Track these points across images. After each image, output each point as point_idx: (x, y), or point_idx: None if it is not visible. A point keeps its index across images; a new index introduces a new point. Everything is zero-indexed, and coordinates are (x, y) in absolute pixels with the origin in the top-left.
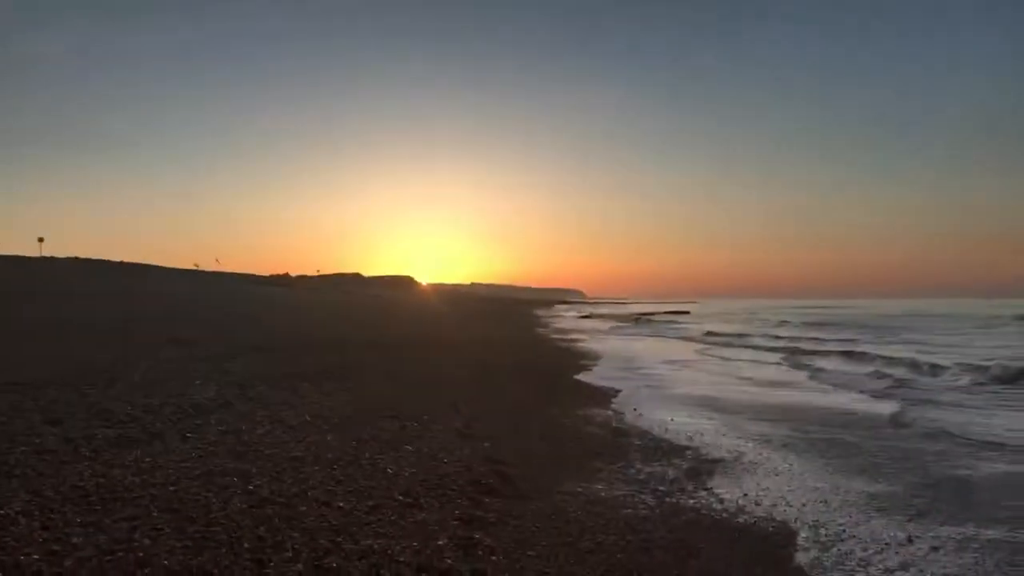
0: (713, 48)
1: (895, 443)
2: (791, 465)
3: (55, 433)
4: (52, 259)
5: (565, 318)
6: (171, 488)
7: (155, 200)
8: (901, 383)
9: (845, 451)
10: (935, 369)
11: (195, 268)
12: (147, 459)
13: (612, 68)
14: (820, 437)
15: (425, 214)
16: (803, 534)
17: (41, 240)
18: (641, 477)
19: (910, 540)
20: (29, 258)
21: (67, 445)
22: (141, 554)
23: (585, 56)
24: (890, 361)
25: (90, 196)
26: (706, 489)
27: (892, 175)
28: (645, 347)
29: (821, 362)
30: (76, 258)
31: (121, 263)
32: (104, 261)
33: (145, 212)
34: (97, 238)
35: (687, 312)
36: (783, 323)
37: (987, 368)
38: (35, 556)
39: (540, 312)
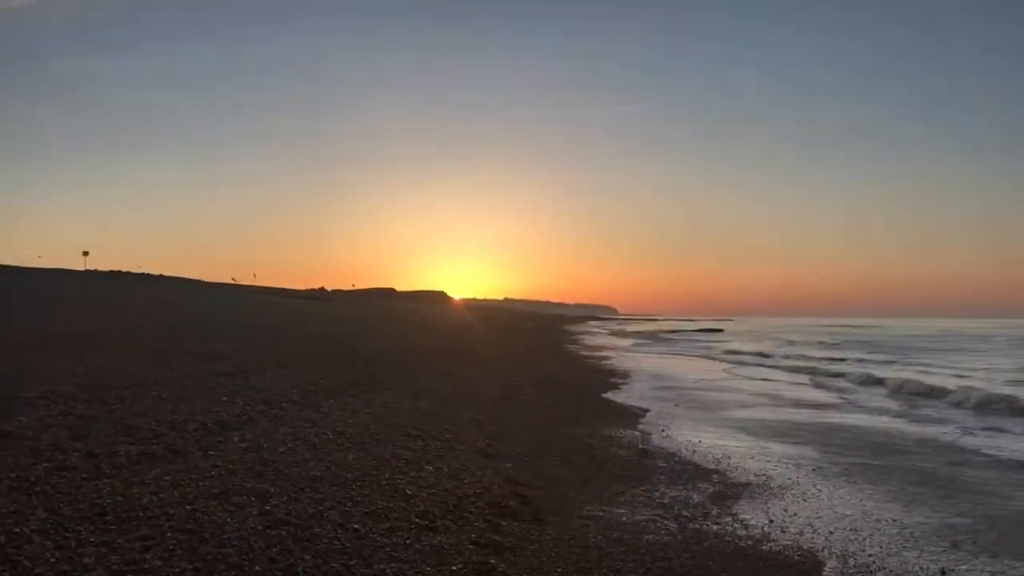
0: (751, 60)
1: (925, 466)
2: (820, 490)
3: (79, 449)
4: (94, 272)
5: (596, 335)
6: (188, 507)
7: (197, 215)
8: (922, 405)
9: (875, 476)
10: (950, 392)
11: (232, 282)
12: (167, 477)
13: (642, 81)
14: (850, 461)
15: (460, 230)
16: (830, 564)
17: (86, 254)
18: (665, 501)
19: (943, 573)
20: (73, 271)
21: (89, 462)
22: None
23: (616, 70)
24: (911, 383)
25: (134, 210)
26: (731, 514)
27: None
28: (676, 365)
29: (847, 383)
30: (118, 271)
31: (161, 276)
32: (144, 275)
33: (187, 227)
34: (140, 252)
35: (721, 330)
36: (819, 343)
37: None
38: None
39: (571, 328)
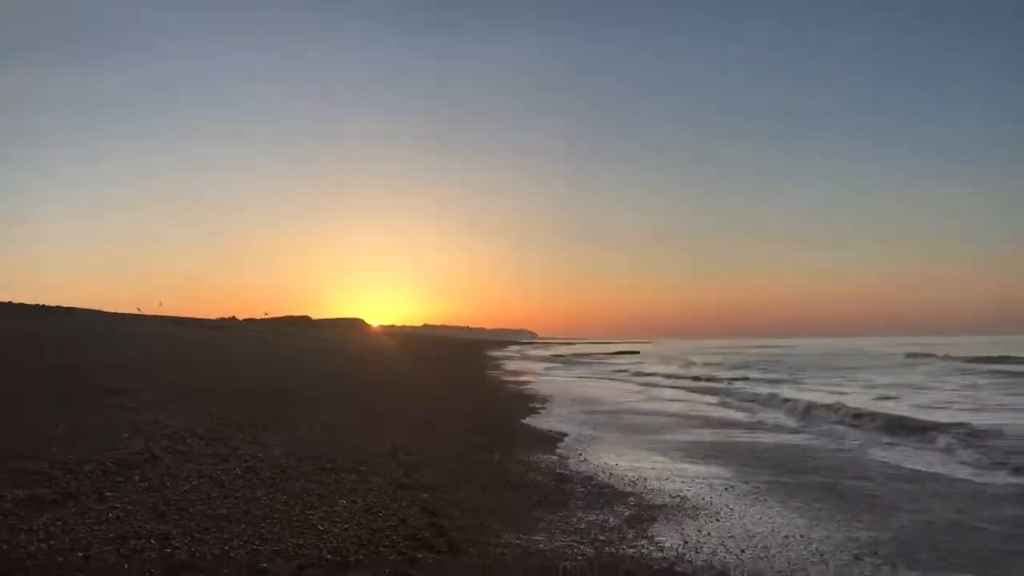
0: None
1: (827, 480)
2: (732, 509)
3: None
4: None
5: (516, 359)
6: (80, 554)
7: (98, 239)
8: (817, 421)
9: (783, 493)
10: (841, 409)
11: (137, 312)
12: (58, 522)
13: (566, 106)
14: (760, 479)
15: (377, 257)
16: None
17: None
18: (582, 526)
19: None
20: None
21: None
22: None
23: (536, 98)
24: (804, 402)
25: (29, 235)
26: (647, 537)
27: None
28: (593, 388)
29: (750, 402)
30: (9, 303)
31: (58, 308)
32: (40, 306)
33: (87, 253)
34: (30, 280)
35: (637, 352)
36: (722, 364)
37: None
38: None
39: (492, 353)
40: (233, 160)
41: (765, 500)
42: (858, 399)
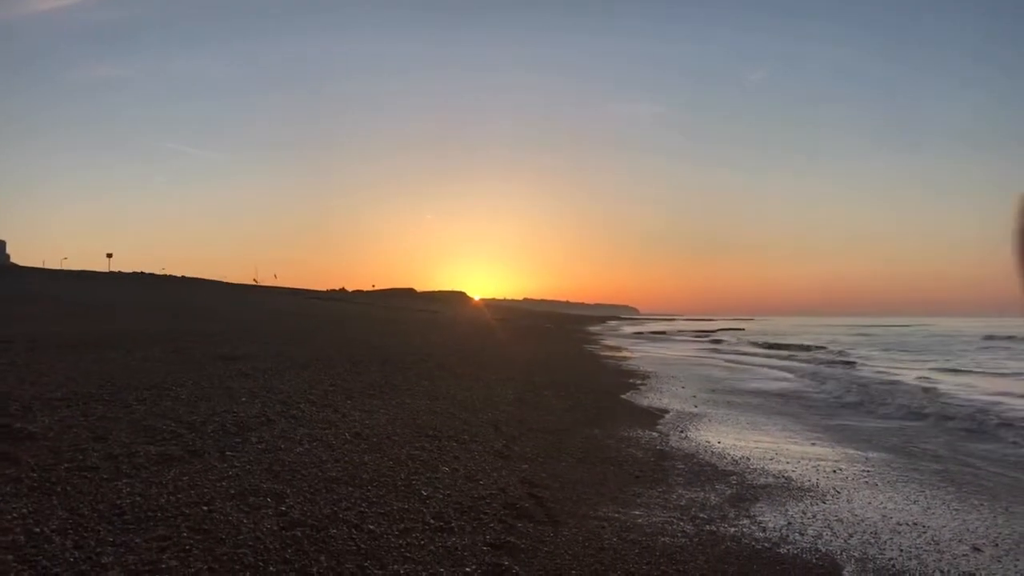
0: (763, 60)
1: (940, 467)
2: (839, 491)
3: (99, 450)
4: (118, 274)
5: (616, 334)
6: (204, 508)
7: (218, 216)
8: (943, 403)
9: (896, 477)
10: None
11: (254, 283)
12: (184, 477)
13: (661, 81)
14: (871, 463)
15: (480, 230)
16: (848, 568)
17: (110, 256)
18: (682, 503)
19: None
20: (97, 272)
21: (109, 462)
22: None
23: (634, 70)
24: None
25: (156, 212)
26: (748, 516)
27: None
28: (695, 366)
29: (864, 383)
30: (141, 272)
31: (183, 278)
32: (167, 276)
33: (209, 229)
34: (163, 254)
35: (742, 329)
36: (835, 342)
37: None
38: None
39: (591, 328)
40: (346, 145)
41: (875, 484)
42: (979, 382)
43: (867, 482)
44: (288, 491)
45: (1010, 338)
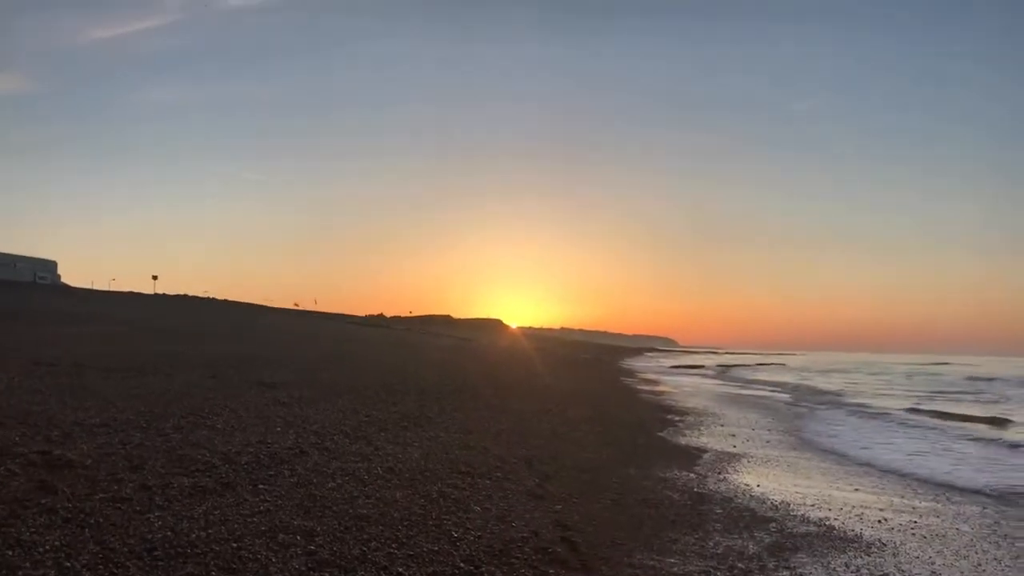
0: (810, 90)
1: (995, 522)
2: (884, 543)
3: (134, 480)
4: (163, 296)
5: (653, 367)
6: (234, 545)
7: (260, 240)
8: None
9: (944, 529)
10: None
11: (295, 307)
12: (216, 511)
13: (698, 108)
14: (918, 512)
15: (518, 258)
16: None
17: (155, 278)
18: (719, 551)
19: None
20: (143, 295)
21: (143, 493)
22: None
23: (671, 98)
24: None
25: (201, 235)
26: (788, 568)
27: None
28: (736, 403)
29: (907, 426)
30: (185, 295)
31: (225, 301)
32: (210, 299)
33: (251, 252)
34: (206, 277)
35: (783, 364)
36: (886, 383)
37: None
38: None
39: (629, 359)
40: (384, 169)
41: (922, 536)
42: None
43: (914, 533)
44: (318, 528)
45: None
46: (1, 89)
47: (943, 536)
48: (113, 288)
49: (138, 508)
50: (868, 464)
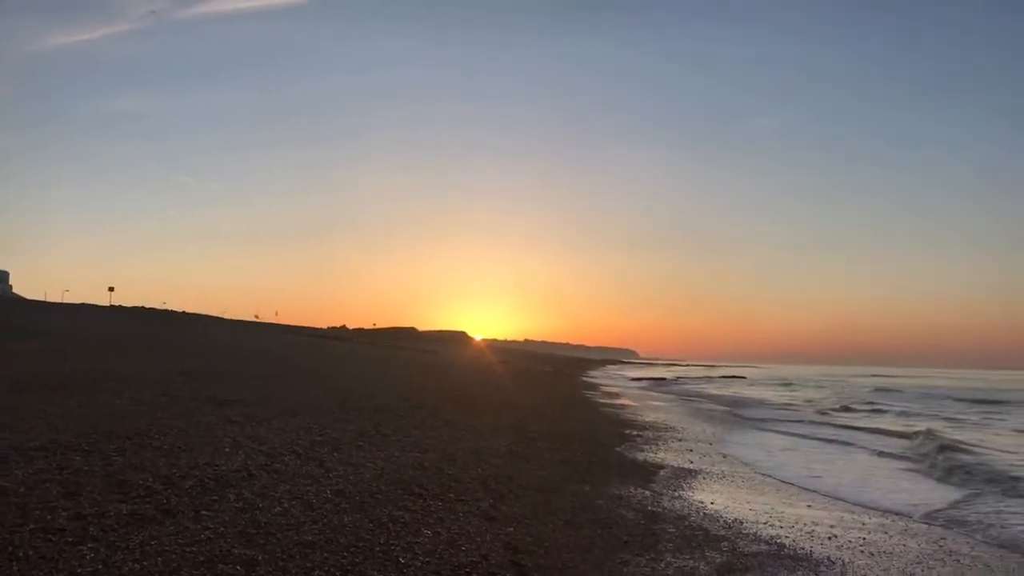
0: (770, 108)
1: (954, 533)
2: (833, 561)
3: (68, 508)
4: (119, 308)
5: (615, 380)
6: None
7: (220, 250)
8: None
9: (893, 543)
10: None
11: (255, 319)
12: (153, 541)
13: (662, 125)
14: (868, 528)
15: (482, 270)
16: None
17: (111, 289)
18: (670, 573)
19: None
20: (98, 306)
21: (77, 523)
22: None
23: (636, 114)
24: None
25: (160, 246)
26: None
27: None
28: (695, 415)
29: (875, 443)
30: (141, 307)
31: (184, 313)
32: (168, 311)
33: (210, 262)
34: (165, 289)
35: (743, 377)
36: (837, 395)
37: None
38: None
39: (591, 372)
40: (348, 182)
41: (871, 553)
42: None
43: (863, 550)
44: (260, 557)
45: None
46: None
47: (890, 552)
48: (66, 300)
49: (70, 539)
50: (824, 478)
